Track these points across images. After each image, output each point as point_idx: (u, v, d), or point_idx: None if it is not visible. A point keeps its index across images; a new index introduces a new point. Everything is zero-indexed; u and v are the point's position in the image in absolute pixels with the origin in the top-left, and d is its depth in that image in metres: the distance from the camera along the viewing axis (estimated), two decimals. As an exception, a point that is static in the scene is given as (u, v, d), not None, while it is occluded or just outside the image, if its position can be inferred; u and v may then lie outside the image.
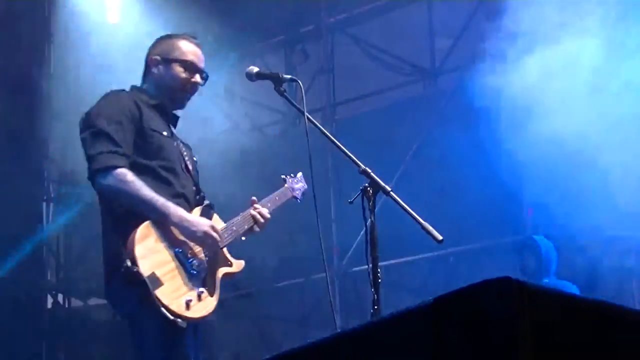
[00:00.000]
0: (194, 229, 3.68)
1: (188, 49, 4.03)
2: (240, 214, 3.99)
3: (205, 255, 3.75)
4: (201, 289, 3.64)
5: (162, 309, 3.47)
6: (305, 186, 4.39)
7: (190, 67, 3.99)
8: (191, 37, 4.11)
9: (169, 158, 3.86)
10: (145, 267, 3.50)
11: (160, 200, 3.64)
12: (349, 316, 8.15)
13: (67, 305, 9.86)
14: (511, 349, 1.70)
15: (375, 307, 3.30)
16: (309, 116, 3.75)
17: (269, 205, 4.10)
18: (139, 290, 3.48)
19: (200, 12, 8.07)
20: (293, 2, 8.91)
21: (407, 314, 1.86)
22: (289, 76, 3.89)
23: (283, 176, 4.38)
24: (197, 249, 3.73)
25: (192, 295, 3.59)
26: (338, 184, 8.27)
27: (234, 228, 3.92)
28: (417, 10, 8.46)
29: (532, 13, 7.60)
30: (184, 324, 3.52)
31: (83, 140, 3.79)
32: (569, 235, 7.26)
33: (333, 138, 3.77)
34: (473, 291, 1.77)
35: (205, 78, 4.06)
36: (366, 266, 3.37)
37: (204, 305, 3.64)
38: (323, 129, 3.75)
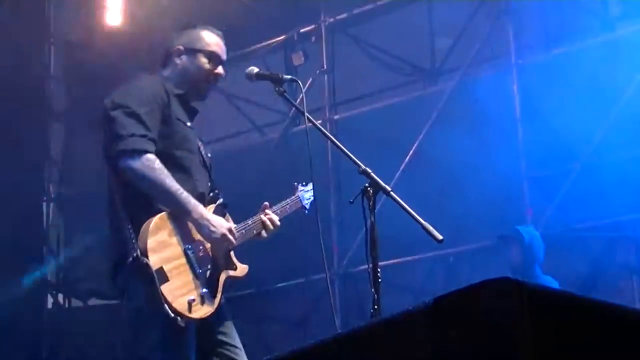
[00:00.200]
0: (213, 229, 3.65)
1: (212, 40, 4.01)
2: (251, 218, 3.96)
3: (212, 255, 3.72)
4: (205, 290, 3.61)
5: (165, 305, 3.44)
6: (313, 197, 4.31)
7: (215, 58, 3.97)
8: (213, 28, 4.09)
9: (192, 150, 3.84)
10: (154, 261, 3.47)
11: (183, 194, 3.61)
12: (349, 316, 8.15)
13: (67, 306, 9.86)
14: (511, 349, 1.70)
15: (376, 307, 3.30)
16: (309, 116, 3.74)
17: (279, 212, 4.05)
18: (147, 285, 3.45)
19: (200, 12, 8.06)
20: (293, 2, 8.90)
21: (407, 314, 1.86)
22: (288, 76, 3.88)
23: (295, 183, 4.33)
24: (207, 248, 3.70)
25: (195, 295, 3.56)
26: (338, 184, 8.27)
27: (243, 232, 3.88)
28: (417, 10, 8.46)
29: (533, 13, 7.61)
30: (182, 323, 3.49)
31: (113, 118, 3.68)
32: (569, 235, 7.26)
33: (333, 138, 3.77)
34: (473, 291, 1.77)
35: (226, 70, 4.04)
36: (366, 266, 3.37)
37: (205, 307, 3.60)
38: (323, 129, 3.75)
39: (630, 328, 1.90)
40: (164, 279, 3.48)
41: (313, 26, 8.73)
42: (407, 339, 1.84)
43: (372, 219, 3.38)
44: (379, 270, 3.33)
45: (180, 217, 3.64)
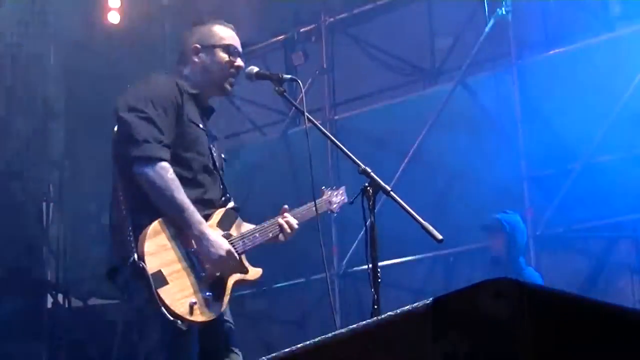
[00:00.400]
0: (212, 249, 3.61)
1: (226, 34, 4.01)
2: (267, 221, 3.94)
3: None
4: (208, 293, 3.58)
5: (162, 308, 3.43)
6: (346, 199, 4.28)
7: (232, 50, 3.97)
8: (224, 22, 4.08)
9: (201, 152, 3.81)
10: (152, 264, 3.46)
11: (189, 209, 3.59)
12: (348, 316, 8.15)
13: (67, 305, 9.86)
14: (511, 349, 1.70)
15: (375, 307, 3.29)
16: (309, 116, 3.74)
17: (299, 216, 4.00)
18: (146, 288, 3.44)
19: (200, 12, 8.07)
20: (293, 2, 8.90)
21: (407, 314, 1.86)
22: (288, 76, 3.87)
23: (323, 187, 4.29)
24: None
25: (198, 298, 3.54)
26: (338, 184, 8.26)
27: (257, 235, 3.85)
28: (417, 10, 8.46)
29: (533, 13, 7.61)
30: (183, 327, 3.46)
31: (126, 121, 3.66)
32: (570, 235, 7.26)
33: (333, 138, 3.77)
34: (473, 291, 1.76)
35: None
36: (366, 266, 3.37)
37: (209, 310, 3.58)
38: (323, 129, 3.75)
39: (630, 328, 1.90)
40: (163, 282, 3.46)
41: (313, 26, 8.73)
42: (406, 339, 1.84)
43: (372, 218, 3.38)
44: (378, 270, 3.33)
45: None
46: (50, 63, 9.85)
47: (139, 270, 3.44)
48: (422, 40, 8.54)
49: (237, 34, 4.07)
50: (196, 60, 3.95)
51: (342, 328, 1.99)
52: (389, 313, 1.89)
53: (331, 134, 3.76)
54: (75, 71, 9.32)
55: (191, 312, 3.50)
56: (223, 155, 4.06)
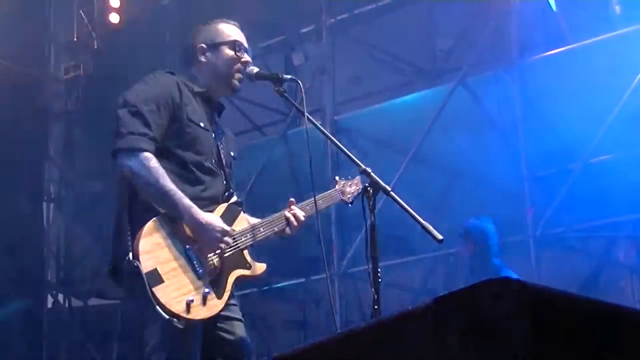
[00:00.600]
0: (203, 230, 3.59)
1: (231, 31, 4.01)
2: (273, 214, 3.90)
3: (221, 255, 3.67)
4: (207, 290, 3.55)
5: (158, 307, 3.41)
6: (361, 189, 4.03)
7: (239, 46, 3.95)
8: (227, 19, 4.08)
9: (201, 151, 3.78)
10: (147, 263, 3.44)
11: (176, 194, 3.57)
12: (349, 316, 8.15)
13: (67, 305, 9.87)
14: (511, 349, 1.70)
15: (376, 307, 3.29)
16: (309, 116, 3.73)
17: (309, 208, 3.94)
18: (142, 287, 3.42)
19: (200, 12, 8.07)
20: (293, 2, 8.90)
21: (407, 315, 1.86)
22: (289, 76, 3.86)
23: (336, 178, 4.22)
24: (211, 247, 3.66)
25: (196, 295, 3.51)
26: (338, 184, 8.26)
27: (261, 229, 3.83)
28: (417, 10, 8.45)
29: (533, 13, 7.61)
30: (180, 325, 3.43)
31: (118, 115, 3.68)
32: (570, 235, 7.26)
33: (333, 138, 3.76)
34: (473, 292, 1.77)
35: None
36: (366, 266, 3.37)
37: (208, 307, 3.55)
38: (323, 129, 3.74)
39: (630, 328, 1.90)
40: (158, 280, 3.44)
41: (313, 26, 8.73)
42: (407, 339, 1.84)
43: (372, 219, 3.38)
44: (379, 270, 3.33)
45: (176, 218, 3.60)
46: (51, 63, 9.87)
47: (134, 269, 3.44)
48: (423, 41, 8.54)
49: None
50: (203, 59, 3.95)
51: (342, 328, 1.99)
52: (389, 313, 1.89)
53: (331, 134, 3.76)
54: (75, 71, 9.32)
55: (188, 310, 3.47)
56: (233, 154, 4.03)
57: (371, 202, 3.41)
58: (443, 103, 7.77)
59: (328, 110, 8.50)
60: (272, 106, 9.09)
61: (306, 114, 3.72)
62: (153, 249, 3.50)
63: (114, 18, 9.00)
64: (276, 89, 3.80)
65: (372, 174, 3.47)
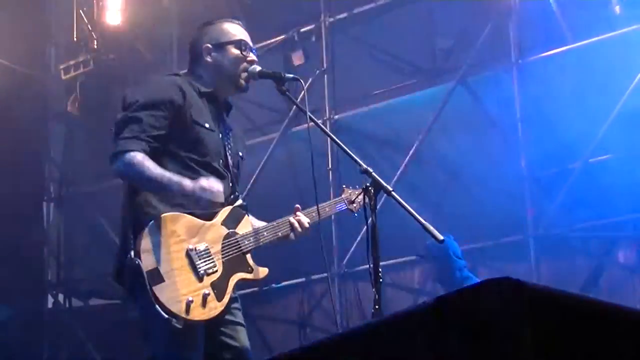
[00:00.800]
0: (190, 192, 3.57)
1: (236, 30, 4.00)
2: (277, 220, 3.91)
3: (223, 257, 3.67)
4: (207, 292, 3.55)
5: (157, 306, 3.41)
6: (361, 201, 4.15)
7: (244, 45, 3.95)
8: (232, 19, 4.08)
9: (207, 152, 3.78)
10: (148, 262, 3.45)
11: (165, 177, 3.58)
12: (349, 316, 8.15)
13: (67, 305, 9.87)
14: (511, 349, 1.70)
15: (377, 307, 3.29)
16: (311, 115, 3.73)
17: (314, 215, 3.95)
18: (143, 286, 3.43)
19: (200, 12, 8.07)
20: (293, 2, 8.90)
21: (408, 315, 1.86)
22: (291, 75, 3.86)
23: (344, 186, 4.24)
24: (214, 249, 3.65)
25: (196, 296, 3.51)
26: (339, 184, 8.26)
27: (265, 233, 3.83)
28: (417, 9, 8.44)
29: (533, 12, 7.61)
30: (179, 325, 3.43)
31: (116, 119, 3.71)
32: (570, 235, 7.26)
33: (334, 137, 3.77)
34: (474, 292, 1.77)
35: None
36: (366, 266, 3.37)
37: (207, 309, 3.54)
38: (325, 128, 3.74)
39: (630, 328, 1.90)
40: (159, 279, 3.45)
41: (313, 26, 8.72)
42: (408, 339, 1.84)
43: (373, 218, 3.37)
44: (380, 270, 3.33)
45: (182, 219, 3.61)
46: (51, 63, 9.86)
47: (135, 268, 3.44)
48: (423, 40, 8.53)
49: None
50: (209, 60, 3.94)
51: (342, 328, 1.99)
52: (389, 313, 1.89)
53: (331, 134, 3.76)
54: (75, 72, 9.31)
55: (187, 310, 3.47)
56: (241, 153, 4.03)
57: (372, 202, 3.42)
58: (443, 103, 7.77)
59: (328, 110, 8.49)
60: (272, 106, 9.08)
61: (308, 113, 3.72)
62: (155, 248, 3.50)
63: (114, 18, 9.00)
64: (279, 87, 3.80)
65: (373, 173, 3.47)
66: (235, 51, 3.94)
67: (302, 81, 3.91)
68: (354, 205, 4.15)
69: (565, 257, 7.39)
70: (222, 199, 3.66)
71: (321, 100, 8.46)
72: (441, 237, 3.35)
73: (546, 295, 1.81)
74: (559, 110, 6.99)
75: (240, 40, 3.96)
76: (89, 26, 9.05)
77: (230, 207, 3.80)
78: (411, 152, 7.86)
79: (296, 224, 3.89)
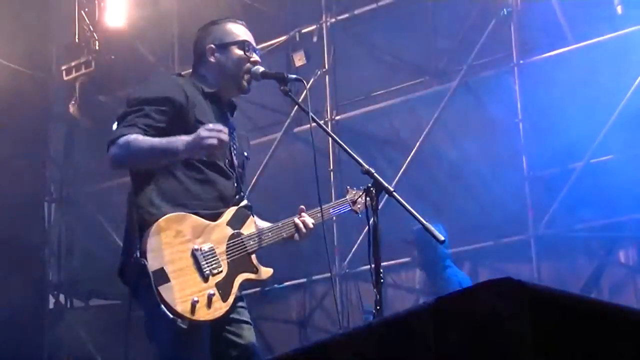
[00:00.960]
0: (194, 143, 3.53)
1: (240, 31, 3.99)
2: (282, 220, 3.90)
3: (228, 257, 3.67)
4: (212, 292, 3.54)
5: (162, 306, 3.41)
6: (363, 203, 4.14)
7: (248, 46, 3.94)
8: (235, 19, 4.07)
9: (211, 152, 3.73)
10: (154, 262, 3.44)
11: (162, 142, 3.56)
12: (350, 317, 8.14)
13: (68, 306, 9.87)
14: (512, 349, 1.70)
15: (378, 307, 3.29)
16: (314, 116, 3.73)
17: (318, 215, 3.92)
18: (149, 285, 3.42)
19: (200, 12, 8.07)
20: (293, 2, 8.90)
21: (409, 315, 1.86)
22: (294, 76, 3.86)
23: (347, 187, 4.21)
24: (219, 250, 3.65)
25: (201, 296, 3.51)
26: (340, 184, 8.26)
27: (269, 234, 3.82)
28: (419, 10, 8.44)
29: (534, 12, 7.61)
30: (184, 325, 3.43)
31: (117, 117, 3.71)
32: (571, 235, 7.26)
33: (336, 138, 3.77)
34: (474, 292, 1.77)
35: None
36: (368, 266, 3.37)
37: (212, 309, 3.54)
38: (327, 129, 3.74)
39: (630, 328, 1.90)
40: (164, 279, 3.45)
41: (315, 26, 8.72)
42: (408, 339, 1.84)
43: (375, 219, 3.37)
44: (381, 270, 3.33)
45: (188, 219, 3.61)
46: (52, 63, 9.87)
47: (140, 268, 3.44)
48: (424, 40, 8.53)
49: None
50: (212, 60, 3.94)
51: (343, 329, 1.99)
52: (390, 313, 1.89)
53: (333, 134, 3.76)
54: (75, 72, 9.31)
55: (193, 310, 3.47)
56: (245, 153, 4.02)
57: (374, 202, 3.42)
58: (444, 103, 7.77)
59: (330, 110, 8.49)
60: (274, 106, 9.08)
61: (310, 113, 3.72)
62: (160, 247, 3.50)
63: (116, 19, 9.00)
64: (281, 88, 3.80)
65: (375, 174, 3.47)
66: (238, 52, 3.93)
67: (304, 82, 3.91)
68: (358, 206, 4.14)
69: (566, 257, 7.39)
70: (227, 139, 3.60)
71: (322, 101, 8.46)
72: (442, 238, 3.35)
73: (547, 295, 1.81)
74: (560, 111, 6.99)
75: (244, 41, 3.96)
76: (90, 27, 9.05)
77: (236, 207, 3.80)
78: (412, 152, 7.86)
79: (301, 225, 3.88)
